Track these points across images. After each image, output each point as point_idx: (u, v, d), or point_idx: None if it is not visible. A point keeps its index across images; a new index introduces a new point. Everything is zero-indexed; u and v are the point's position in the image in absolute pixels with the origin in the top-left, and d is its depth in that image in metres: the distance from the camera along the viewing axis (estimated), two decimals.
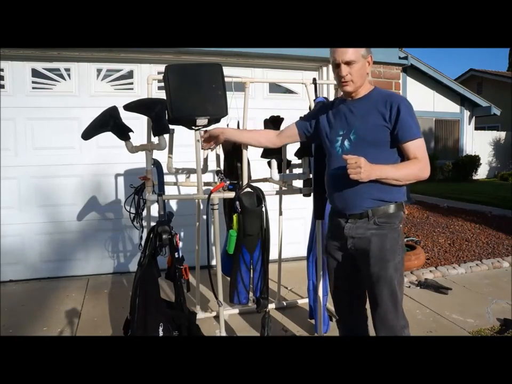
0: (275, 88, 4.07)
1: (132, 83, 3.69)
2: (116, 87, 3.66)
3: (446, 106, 12.38)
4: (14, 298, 3.14)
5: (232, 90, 2.09)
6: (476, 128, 13.51)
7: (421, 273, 3.57)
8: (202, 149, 2.10)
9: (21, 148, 3.47)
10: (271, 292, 2.88)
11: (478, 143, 13.29)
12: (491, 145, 13.81)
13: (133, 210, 2.44)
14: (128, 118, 1.98)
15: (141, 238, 2.26)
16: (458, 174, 12.03)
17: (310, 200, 2.42)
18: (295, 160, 2.44)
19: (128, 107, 1.86)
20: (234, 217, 2.08)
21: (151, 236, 1.90)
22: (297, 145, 2.27)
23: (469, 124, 13.01)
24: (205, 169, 2.62)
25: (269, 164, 2.25)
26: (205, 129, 2.00)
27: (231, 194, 2.15)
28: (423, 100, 11.52)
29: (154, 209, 2.19)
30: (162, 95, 1.88)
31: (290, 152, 2.35)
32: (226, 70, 1.98)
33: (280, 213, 2.86)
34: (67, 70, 3.53)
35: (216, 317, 2.67)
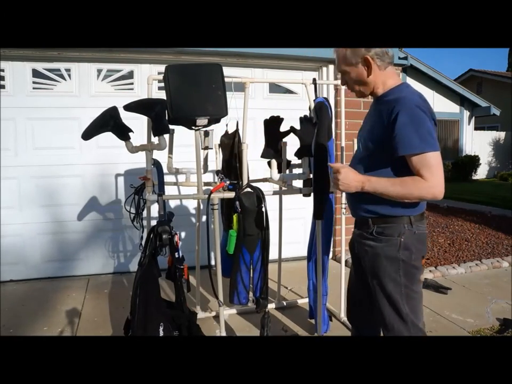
0: (275, 88, 4.07)
1: (132, 83, 3.69)
2: (116, 87, 3.66)
3: (446, 107, 12.38)
4: (14, 298, 3.14)
5: (232, 90, 2.09)
6: (476, 128, 13.51)
7: None
8: (203, 149, 2.10)
9: (21, 148, 3.48)
10: (271, 291, 2.89)
11: (478, 143, 13.29)
12: (491, 145, 13.81)
13: (133, 210, 2.44)
14: (128, 118, 1.98)
15: (141, 238, 2.26)
16: (458, 174, 12.03)
17: (310, 200, 2.42)
18: (295, 160, 2.44)
19: (128, 107, 1.86)
20: (234, 217, 2.08)
21: (151, 235, 1.90)
22: (297, 145, 2.27)
23: (469, 124, 13.02)
24: (205, 169, 2.62)
25: (269, 164, 2.25)
26: (205, 129, 2.00)
27: (231, 194, 2.15)
28: None
29: (154, 209, 2.20)
30: (162, 95, 1.88)
31: (291, 152, 2.36)
32: (226, 70, 1.98)
33: (280, 213, 2.87)
34: (67, 70, 3.53)
35: (216, 317, 2.67)
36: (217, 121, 1.97)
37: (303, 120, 2.23)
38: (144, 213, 2.42)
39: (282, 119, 2.15)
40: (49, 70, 3.50)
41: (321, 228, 2.37)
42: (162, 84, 1.92)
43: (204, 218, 2.93)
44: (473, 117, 13.01)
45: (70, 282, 3.49)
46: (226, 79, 1.96)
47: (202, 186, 2.17)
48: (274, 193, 2.50)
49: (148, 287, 1.82)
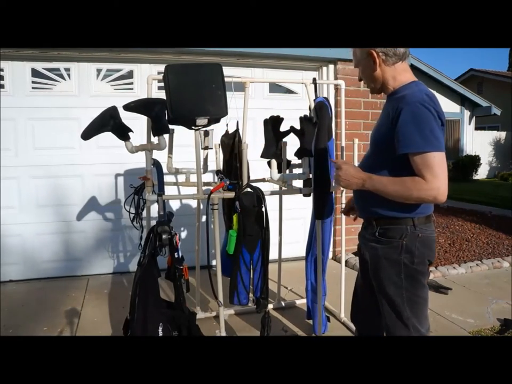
0: (275, 88, 4.07)
1: (131, 83, 3.69)
2: (115, 87, 3.66)
3: (446, 106, 12.36)
4: (14, 298, 3.14)
5: (232, 90, 2.09)
6: (476, 128, 13.51)
7: None
8: (203, 149, 2.10)
9: (21, 148, 3.48)
10: (271, 292, 2.89)
11: (478, 143, 13.28)
12: (491, 145, 13.81)
13: (132, 210, 2.44)
14: (128, 118, 1.98)
15: (141, 238, 2.26)
16: (459, 174, 12.02)
17: (310, 200, 2.42)
18: (295, 160, 2.44)
19: (128, 107, 1.86)
20: (234, 217, 2.08)
21: (151, 236, 1.90)
22: (297, 145, 2.27)
23: (469, 124, 13.02)
24: (205, 169, 2.62)
25: (269, 164, 2.25)
26: (204, 129, 2.00)
27: (231, 194, 2.15)
28: None
29: (154, 209, 2.20)
30: (162, 95, 1.88)
31: (291, 152, 2.35)
32: (226, 70, 1.98)
33: (280, 213, 2.86)
34: (67, 70, 3.53)
35: (216, 317, 2.67)
36: (217, 121, 1.97)
37: (303, 120, 2.23)
38: (144, 213, 2.42)
39: (282, 119, 2.15)
40: (49, 70, 3.50)
41: (321, 228, 2.37)
42: (162, 84, 1.92)
43: (204, 218, 2.92)
44: (474, 117, 13.01)
45: (70, 282, 3.49)
46: (226, 79, 1.96)
47: (202, 186, 2.17)
48: (274, 193, 2.50)
49: (147, 287, 1.82)
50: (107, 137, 2.05)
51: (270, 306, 2.83)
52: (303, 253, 2.66)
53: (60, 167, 3.55)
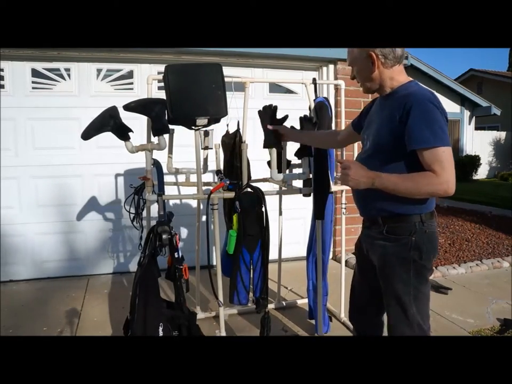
0: (275, 88, 4.07)
1: (131, 83, 3.69)
2: (115, 87, 3.66)
3: (446, 106, 12.03)
4: (14, 298, 3.14)
5: (232, 90, 2.09)
6: (476, 128, 13.50)
7: None
8: (202, 149, 2.10)
9: (21, 148, 3.47)
10: (271, 292, 2.89)
11: (478, 143, 13.27)
12: (491, 145, 13.80)
13: (132, 210, 2.44)
14: (128, 118, 1.98)
15: (141, 238, 2.26)
16: (458, 174, 11.96)
17: (310, 200, 2.42)
18: (295, 160, 2.44)
19: (128, 107, 1.86)
20: (234, 217, 2.08)
21: (151, 235, 1.90)
22: (297, 145, 2.27)
23: (469, 124, 13.00)
24: (205, 169, 2.62)
25: (269, 164, 2.25)
26: (204, 129, 2.00)
27: (231, 194, 2.15)
28: None
29: (154, 209, 2.19)
30: (162, 95, 1.88)
31: (290, 152, 2.35)
32: (226, 70, 1.98)
33: (280, 213, 2.86)
34: (67, 70, 3.53)
35: (216, 317, 2.67)
36: (217, 121, 1.97)
37: (303, 120, 2.23)
38: (144, 213, 2.42)
39: (276, 107, 2.14)
40: (49, 70, 3.50)
41: (321, 228, 2.37)
42: (162, 84, 1.92)
43: (204, 218, 2.92)
44: (474, 117, 13.00)
45: (69, 282, 3.49)
46: (226, 79, 1.96)
47: (202, 186, 2.17)
48: (276, 193, 2.50)
49: (147, 287, 1.82)
50: (107, 137, 2.05)
51: (270, 306, 2.83)
52: (303, 253, 2.66)
53: (60, 167, 3.55)
